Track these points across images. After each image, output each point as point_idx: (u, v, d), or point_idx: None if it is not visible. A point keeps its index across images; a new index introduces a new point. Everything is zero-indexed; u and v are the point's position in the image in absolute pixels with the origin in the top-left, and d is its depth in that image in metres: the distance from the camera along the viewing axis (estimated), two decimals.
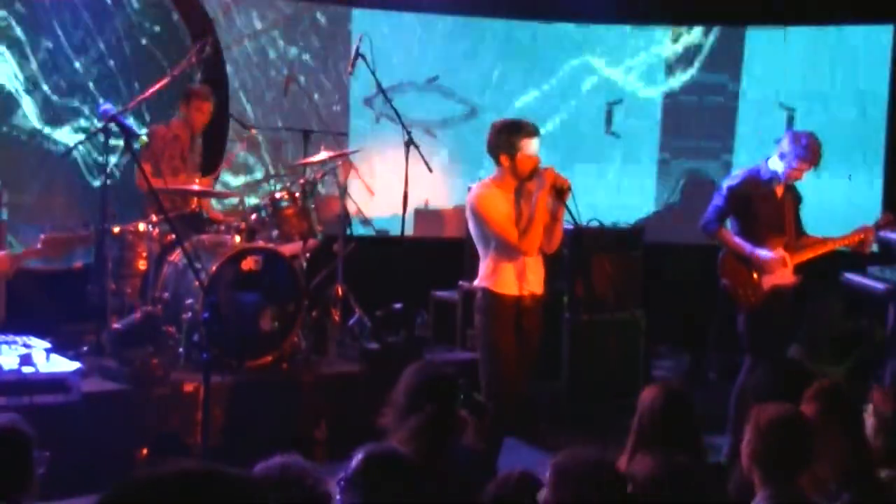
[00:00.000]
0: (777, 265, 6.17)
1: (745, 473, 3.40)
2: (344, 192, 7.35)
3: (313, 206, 6.91)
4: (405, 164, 7.29)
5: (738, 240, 6.22)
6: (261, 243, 6.51)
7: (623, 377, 7.01)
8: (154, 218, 6.48)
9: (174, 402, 5.76)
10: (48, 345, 5.52)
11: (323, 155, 7.26)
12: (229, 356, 6.04)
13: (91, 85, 7.63)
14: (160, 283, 6.36)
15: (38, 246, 5.37)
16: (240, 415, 5.86)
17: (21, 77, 7.43)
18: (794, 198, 6.41)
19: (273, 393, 6.16)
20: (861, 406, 3.89)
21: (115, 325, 6.26)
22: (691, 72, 8.85)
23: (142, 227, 6.50)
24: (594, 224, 7.32)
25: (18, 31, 7.40)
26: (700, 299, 7.53)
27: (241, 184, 8.14)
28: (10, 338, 5.54)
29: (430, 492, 3.04)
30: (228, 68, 8.17)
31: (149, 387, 5.79)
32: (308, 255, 6.87)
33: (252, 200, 7.03)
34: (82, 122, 7.59)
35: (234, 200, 7.42)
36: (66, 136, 7.56)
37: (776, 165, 6.23)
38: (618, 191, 8.88)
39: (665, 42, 8.86)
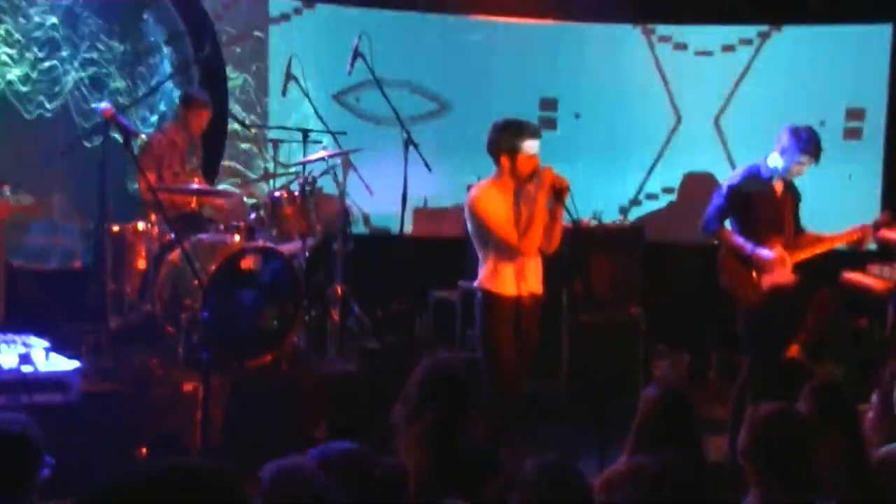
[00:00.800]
0: (777, 264, 6.17)
1: (742, 473, 3.40)
2: (343, 191, 7.34)
3: (312, 205, 6.90)
4: (404, 163, 7.29)
5: (739, 239, 6.22)
6: (260, 242, 6.50)
7: (622, 377, 7.01)
8: (153, 217, 6.48)
9: (173, 402, 5.75)
10: (47, 344, 5.51)
11: (322, 154, 7.26)
12: (228, 356, 6.04)
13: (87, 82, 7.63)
14: (159, 282, 6.36)
15: None
16: (239, 415, 5.86)
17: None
18: (794, 196, 6.41)
19: (272, 393, 6.16)
20: (860, 405, 3.89)
21: (115, 325, 6.25)
22: None
23: (141, 226, 6.50)
24: (593, 223, 7.34)
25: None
26: (699, 299, 7.54)
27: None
28: (10, 337, 5.54)
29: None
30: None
31: (148, 386, 5.79)
32: (307, 254, 6.87)
33: (251, 200, 7.02)
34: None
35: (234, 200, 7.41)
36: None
37: (776, 162, 6.23)
38: None
39: None
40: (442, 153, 7.79)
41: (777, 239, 6.23)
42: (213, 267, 6.09)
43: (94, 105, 6.87)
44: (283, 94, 7.53)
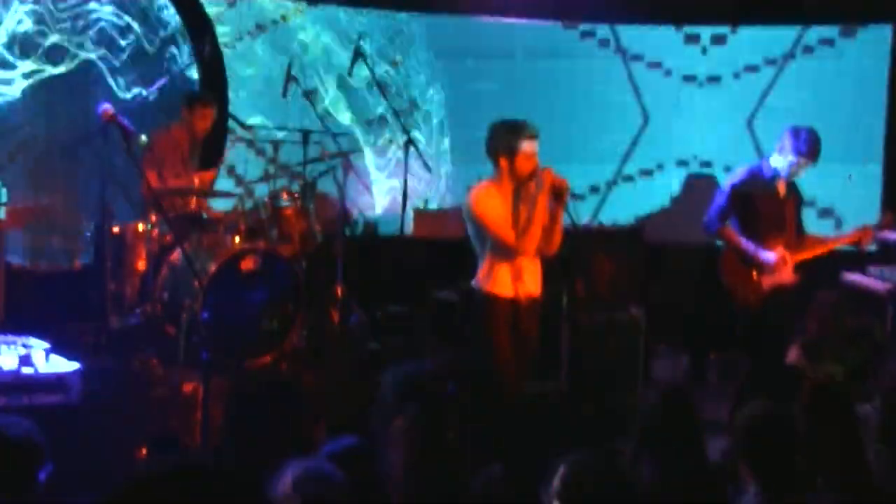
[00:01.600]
0: (778, 264, 6.18)
1: (735, 473, 3.40)
2: (343, 192, 7.35)
3: (312, 206, 6.90)
4: (404, 163, 7.31)
5: (742, 240, 6.22)
6: (260, 243, 6.51)
7: (622, 377, 7.01)
8: (153, 218, 6.48)
9: (173, 403, 5.75)
10: (47, 345, 5.52)
11: (322, 154, 7.27)
12: (228, 356, 6.04)
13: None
14: (159, 283, 6.36)
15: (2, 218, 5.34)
16: (239, 415, 5.86)
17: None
18: (796, 197, 6.42)
19: (272, 393, 6.16)
20: (861, 406, 3.89)
21: (115, 326, 6.25)
22: None
23: (141, 227, 6.50)
24: (594, 224, 7.35)
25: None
26: (700, 299, 7.53)
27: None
28: (10, 338, 5.54)
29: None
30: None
31: (148, 387, 5.79)
32: (307, 255, 6.87)
33: (251, 201, 7.02)
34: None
35: (234, 200, 7.41)
36: None
37: (777, 162, 6.24)
38: None
39: None
40: None
41: (778, 239, 6.23)
42: (214, 267, 6.10)
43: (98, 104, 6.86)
44: (284, 95, 7.54)
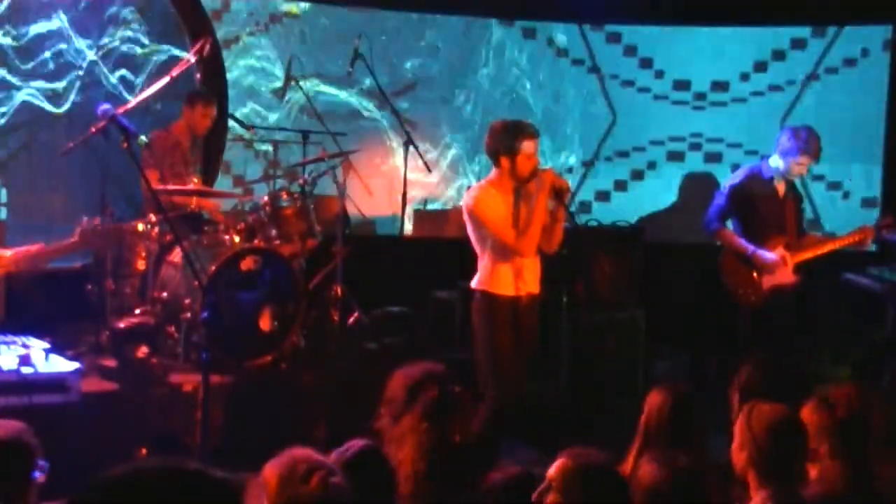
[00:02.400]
0: (778, 264, 6.17)
1: (739, 475, 3.38)
2: (343, 192, 7.35)
3: (312, 206, 6.90)
4: (404, 164, 7.30)
5: (740, 240, 6.22)
6: (260, 243, 6.50)
7: (623, 377, 7.01)
8: (153, 218, 6.47)
9: (173, 403, 5.75)
10: (47, 345, 5.50)
11: (322, 155, 7.27)
12: (228, 356, 6.04)
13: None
14: (159, 282, 6.36)
15: (75, 239, 5.37)
16: (239, 415, 5.86)
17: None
18: (796, 197, 6.42)
19: (272, 393, 6.16)
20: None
21: (115, 325, 6.25)
22: None
23: (141, 226, 6.49)
24: (593, 224, 7.34)
25: None
26: (700, 299, 7.53)
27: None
28: (9, 338, 5.53)
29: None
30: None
31: (148, 387, 5.78)
32: (307, 255, 6.87)
33: (251, 201, 7.02)
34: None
35: (234, 201, 7.41)
36: None
37: (777, 163, 6.24)
38: None
39: None
40: None
41: (778, 239, 6.23)
42: (213, 267, 6.09)
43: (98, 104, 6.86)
44: (283, 95, 7.55)
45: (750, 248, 6.17)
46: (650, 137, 8.64)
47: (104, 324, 6.29)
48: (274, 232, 6.72)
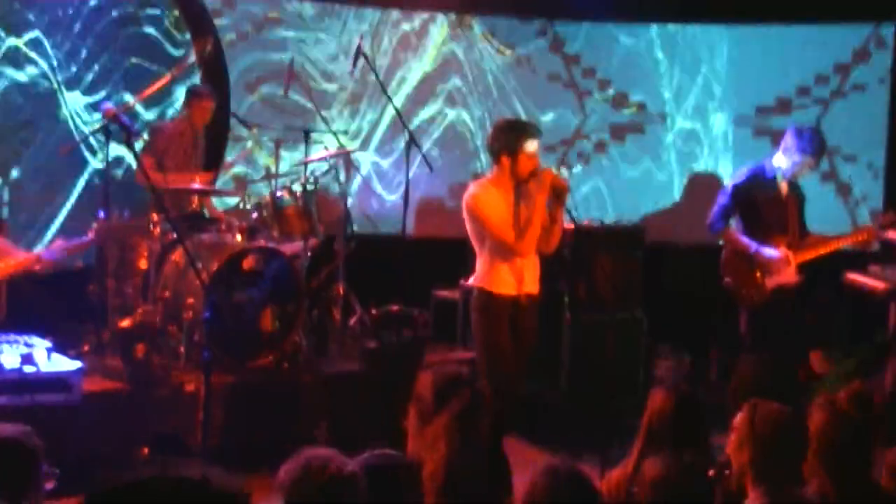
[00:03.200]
0: (781, 264, 6.17)
1: (737, 474, 3.38)
2: (345, 191, 7.35)
3: (314, 205, 6.91)
4: (406, 163, 7.30)
5: (743, 238, 6.22)
6: (262, 242, 6.51)
7: (624, 377, 7.01)
8: (155, 217, 6.48)
9: (175, 402, 5.75)
10: (49, 344, 5.52)
11: (324, 153, 7.27)
12: (230, 356, 6.04)
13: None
14: (161, 282, 6.36)
15: (90, 236, 5.38)
16: (240, 414, 5.86)
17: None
18: (798, 196, 6.42)
19: (273, 393, 6.16)
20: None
21: (117, 325, 6.25)
22: None
23: (142, 226, 6.49)
24: (594, 223, 7.34)
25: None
26: (702, 299, 7.53)
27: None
28: (12, 337, 5.54)
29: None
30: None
31: (149, 386, 5.79)
32: (309, 254, 6.87)
33: (253, 199, 7.02)
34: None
35: (236, 199, 7.41)
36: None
37: (780, 162, 6.24)
38: None
39: None
40: None
41: (781, 239, 6.23)
42: (215, 266, 6.09)
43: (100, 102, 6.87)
44: (286, 94, 7.55)
45: (753, 245, 6.18)
46: None
47: (106, 323, 6.30)
48: (276, 231, 6.73)
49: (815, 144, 6.17)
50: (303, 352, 6.49)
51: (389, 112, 8.11)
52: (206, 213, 7.21)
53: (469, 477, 3.32)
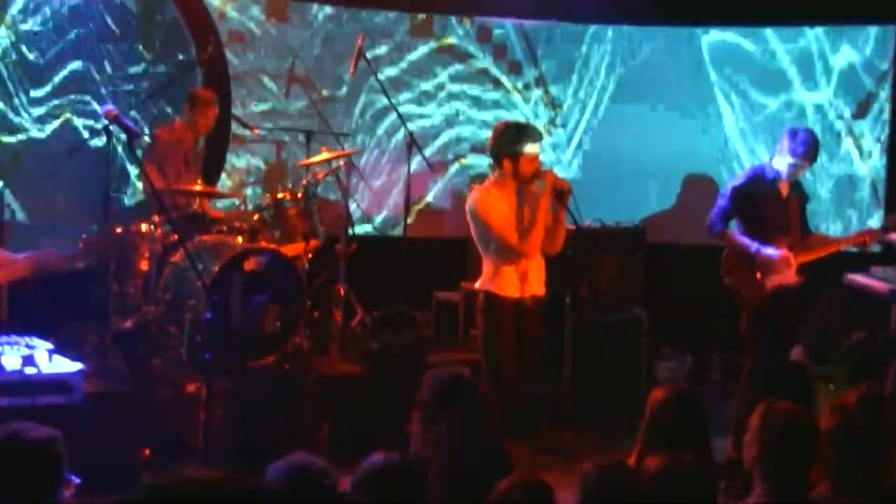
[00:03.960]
0: (782, 265, 6.17)
1: (746, 469, 3.39)
2: (346, 192, 7.35)
3: (315, 206, 6.91)
4: (407, 164, 7.31)
5: (743, 239, 6.22)
6: (263, 244, 6.51)
7: (625, 378, 7.01)
8: (156, 218, 6.48)
9: (176, 403, 5.76)
10: (51, 345, 5.52)
11: (325, 155, 7.27)
12: (231, 357, 6.04)
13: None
14: (162, 283, 6.36)
15: (80, 251, 5.38)
16: (242, 416, 5.86)
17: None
18: (800, 197, 6.41)
19: (275, 394, 6.16)
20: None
21: (118, 326, 6.25)
22: None
23: (144, 227, 6.50)
24: (596, 224, 7.34)
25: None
26: (703, 299, 7.53)
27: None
28: (13, 338, 5.54)
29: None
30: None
31: (151, 387, 5.79)
32: (310, 255, 6.87)
33: (254, 201, 7.03)
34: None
35: (237, 201, 7.42)
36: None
37: (778, 164, 6.24)
38: None
39: None
40: None
41: (782, 240, 6.23)
42: (217, 268, 6.09)
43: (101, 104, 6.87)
44: (287, 95, 7.56)
45: (753, 245, 6.17)
46: None
47: (108, 324, 6.30)
48: (277, 232, 6.73)
49: (808, 146, 6.17)
50: (304, 353, 6.49)
51: (389, 112, 8.11)
52: (208, 214, 7.21)
53: (472, 478, 3.33)
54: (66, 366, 5.41)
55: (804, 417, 3.38)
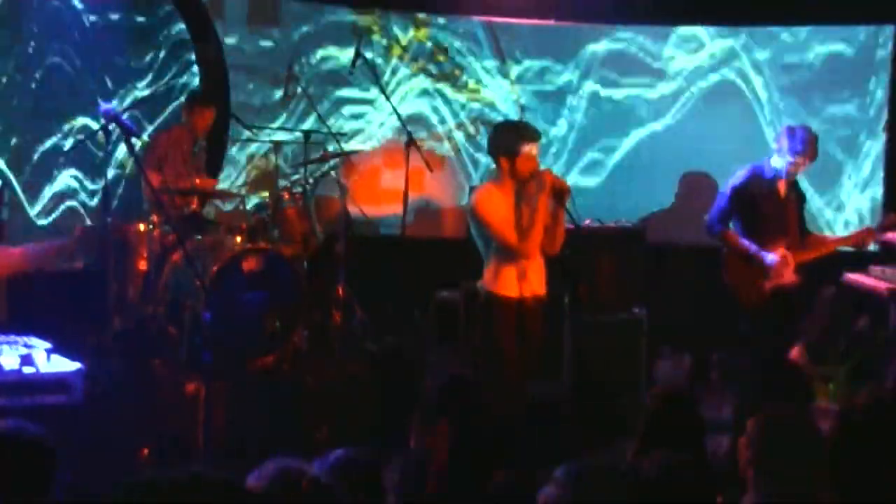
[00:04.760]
0: (780, 267, 6.17)
1: (741, 472, 3.39)
2: (345, 192, 7.35)
3: (314, 206, 6.91)
4: (405, 163, 7.31)
5: (743, 241, 6.22)
6: (262, 244, 6.51)
7: (624, 378, 7.00)
8: (155, 219, 6.48)
9: (175, 403, 5.75)
10: (49, 345, 5.51)
11: (324, 155, 7.27)
12: (231, 357, 6.04)
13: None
14: (161, 283, 6.36)
15: (72, 240, 5.37)
16: (241, 416, 5.86)
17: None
18: (798, 197, 6.41)
19: (274, 394, 6.16)
20: None
21: (117, 326, 6.25)
22: None
23: (143, 227, 6.50)
24: (595, 224, 7.34)
25: None
26: (702, 299, 7.53)
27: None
28: (12, 338, 5.54)
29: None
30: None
31: (150, 388, 5.79)
32: (309, 255, 6.87)
33: (253, 201, 7.03)
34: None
35: (236, 201, 7.42)
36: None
37: (777, 163, 6.23)
38: None
39: None
40: None
41: (781, 239, 6.23)
42: (215, 268, 6.10)
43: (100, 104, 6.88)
44: (287, 95, 7.54)
45: (752, 248, 6.17)
46: None
47: (107, 324, 6.30)
48: (276, 232, 6.73)
49: (807, 144, 6.16)
50: (303, 353, 6.50)
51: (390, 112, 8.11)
52: (206, 214, 7.22)
53: (472, 478, 3.33)
54: (64, 366, 5.41)
55: (796, 418, 3.37)
